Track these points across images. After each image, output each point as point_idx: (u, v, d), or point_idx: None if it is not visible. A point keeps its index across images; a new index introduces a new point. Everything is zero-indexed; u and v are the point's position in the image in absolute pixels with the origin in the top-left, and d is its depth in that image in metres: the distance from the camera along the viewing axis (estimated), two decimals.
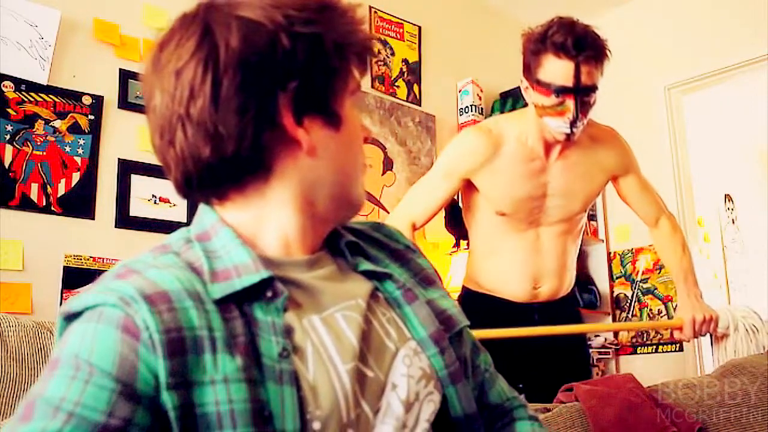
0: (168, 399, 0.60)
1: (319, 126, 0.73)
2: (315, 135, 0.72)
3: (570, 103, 1.68)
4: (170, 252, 0.72)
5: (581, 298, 3.51)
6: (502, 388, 0.89)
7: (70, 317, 0.65)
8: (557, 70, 1.66)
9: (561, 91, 1.67)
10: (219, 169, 0.70)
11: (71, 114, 2.29)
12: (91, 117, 2.33)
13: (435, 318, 0.79)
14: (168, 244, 0.74)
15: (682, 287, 1.92)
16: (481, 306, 1.95)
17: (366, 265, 0.80)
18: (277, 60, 0.68)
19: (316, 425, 0.64)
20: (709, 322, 1.84)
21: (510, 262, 1.94)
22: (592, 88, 1.69)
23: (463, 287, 2.08)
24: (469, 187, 1.94)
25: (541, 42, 1.67)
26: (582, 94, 1.68)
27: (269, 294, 0.68)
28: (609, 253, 3.77)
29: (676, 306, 3.47)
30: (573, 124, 1.70)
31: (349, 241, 0.81)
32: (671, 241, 1.98)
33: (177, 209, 2.43)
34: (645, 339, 3.59)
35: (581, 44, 1.63)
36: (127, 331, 0.61)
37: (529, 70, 1.74)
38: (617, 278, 3.73)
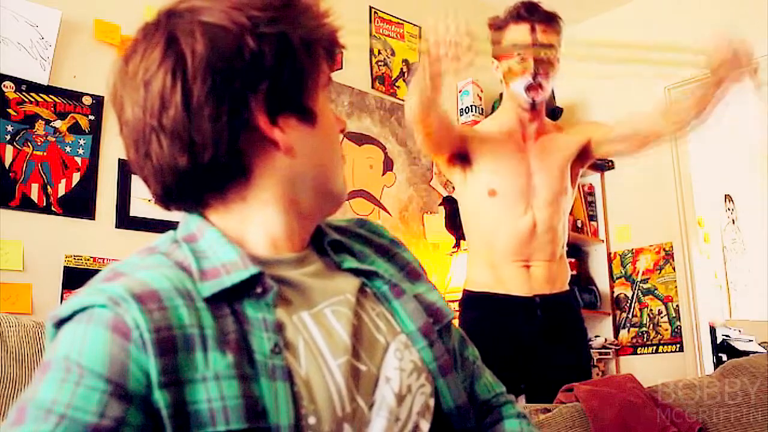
0: (160, 398, 0.60)
1: (295, 124, 0.73)
2: (291, 133, 0.72)
3: (531, 61, 1.91)
4: (157, 253, 0.72)
5: (581, 298, 3.50)
6: (489, 381, 0.90)
7: (60, 323, 0.65)
8: (517, 33, 1.93)
9: (521, 49, 1.92)
10: (198, 177, 0.70)
11: (71, 114, 2.29)
12: (92, 117, 2.33)
13: (423, 311, 0.80)
14: (155, 246, 0.74)
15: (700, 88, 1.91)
16: (482, 306, 1.96)
17: (351, 263, 0.80)
18: (245, 63, 0.68)
19: (312, 420, 0.64)
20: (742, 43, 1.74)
21: (505, 246, 1.97)
22: (548, 46, 1.91)
23: (464, 291, 2.08)
24: (461, 186, 2.04)
25: (503, 19, 1.98)
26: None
27: (259, 290, 0.68)
28: (609, 254, 3.76)
29: (677, 306, 3.49)
30: (534, 78, 1.91)
31: (332, 239, 0.81)
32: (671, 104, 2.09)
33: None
34: (645, 339, 3.59)
35: (532, 9, 1.92)
36: (117, 331, 0.61)
37: (497, 48, 1.98)
38: (617, 278, 3.73)
